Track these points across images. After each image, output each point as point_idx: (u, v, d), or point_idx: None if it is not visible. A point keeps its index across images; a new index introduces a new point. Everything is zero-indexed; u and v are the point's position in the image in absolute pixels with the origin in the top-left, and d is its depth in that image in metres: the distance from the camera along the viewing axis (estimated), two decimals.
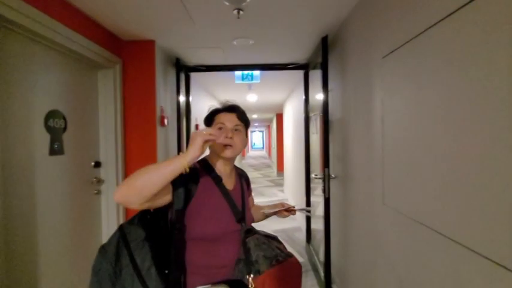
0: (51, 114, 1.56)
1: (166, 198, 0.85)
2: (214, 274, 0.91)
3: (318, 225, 2.92)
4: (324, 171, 2.04)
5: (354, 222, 1.84)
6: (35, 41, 1.44)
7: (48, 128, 1.55)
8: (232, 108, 1.01)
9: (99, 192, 2.03)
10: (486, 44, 0.74)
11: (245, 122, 1.02)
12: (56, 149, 1.60)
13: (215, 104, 1.05)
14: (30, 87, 1.44)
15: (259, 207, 1.20)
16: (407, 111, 1.15)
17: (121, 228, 0.87)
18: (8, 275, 1.22)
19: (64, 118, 1.67)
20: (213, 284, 0.90)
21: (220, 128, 0.96)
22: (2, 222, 1.16)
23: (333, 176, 2.18)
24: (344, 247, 2.07)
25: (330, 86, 2.12)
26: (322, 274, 2.30)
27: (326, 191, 2.03)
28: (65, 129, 1.68)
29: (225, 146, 0.94)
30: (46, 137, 1.53)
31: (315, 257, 2.72)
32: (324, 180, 2.04)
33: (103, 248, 0.84)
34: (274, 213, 1.14)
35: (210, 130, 0.82)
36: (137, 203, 0.76)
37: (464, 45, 0.83)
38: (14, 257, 1.29)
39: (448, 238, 0.89)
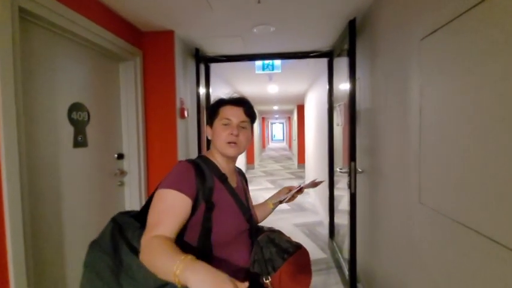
0: (74, 107, 1.58)
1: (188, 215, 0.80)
2: None
3: (341, 220, 2.81)
4: (349, 165, 1.92)
5: (383, 221, 1.72)
6: (56, 33, 1.45)
7: (72, 121, 1.57)
8: (239, 102, 0.93)
9: (122, 184, 2.06)
10: None
11: (252, 117, 0.95)
12: (79, 141, 1.62)
13: (219, 95, 0.97)
14: (53, 79, 1.45)
15: (262, 205, 1.13)
16: (452, 99, 1.01)
17: (114, 219, 0.83)
18: (35, 263, 1.26)
19: (87, 111, 1.69)
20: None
21: (225, 124, 0.90)
22: (29, 213, 1.19)
23: (359, 170, 2.05)
24: (371, 245, 1.95)
25: (357, 73, 1.98)
26: (346, 272, 2.21)
27: (352, 186, 1.92)
28: (88, 121, 1.70)
29: (229, 143, 0.89)
30: (70, 130, 1.55)
31: (339, 254, 2.62)
32: (349, 175, 1.93)
33: (95, 243, 0.80)
34: (283, 201, 1.07)
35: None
36: None
37: None
38: (41, 246, 1.33)
39: (498, 243, 0.77)
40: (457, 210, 0.97)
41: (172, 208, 0.76)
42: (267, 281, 0.83)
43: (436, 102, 1.11)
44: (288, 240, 0.93)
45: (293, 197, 1.09)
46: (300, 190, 1.07)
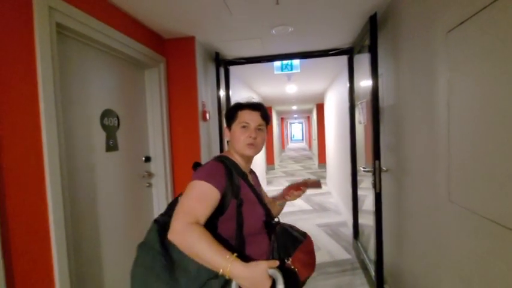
0: (105, 113, 1.68)
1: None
2: None
3: (365, 220, 2.74)
4: (374, 164, 1.88)
5: (410, 220, 1.67)
6: (89, 45, 1.55)
7: (104, 126, 1.67)
8: (256, 107, 1.03)
9: (150, 185, 2.16)
10: None
11: (267, 120, 1.06)
12: (111, 145, 1.72)
13: (239, 97, 1.07)
14: (87, 88, 1.56)
15: (271, 203, 1.20)
16: (483, 94, 0.96)
17: (157, 221, 0.90)
18: (76, 256, 1.36)
19: (117, 117, 1.79)
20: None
21: (244, 127, 1.00)
22: (69, 211, 1.28)
23: (384, 169, 2.00)
24: (397, 246, 1.89)
25: (380, 70, 1.93)
26: (372, 273, 2.15)
27: (377, 185, 1.87)
28: (118, 127, 1.80)
29: (248, 145, 0.99)
30: (102, 135, 1.66)
31: (364, 254, 2.56)
32: (374, 174, 1.88)
33: (145, 244, 0.86)
34: (284, 198, 1.17)
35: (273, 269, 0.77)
36: None
37: None
38: (80, 241, 1.44)
39: None
40: (491, 208, 0.93)
41: (204, 197, 0.84)
42: (288, 261, 0.93)
43: (466, 97, 1.07)
44: (297, 230, 1.04)
45: (290, 194, 1.15)
46: (305, 184, 1.14)
